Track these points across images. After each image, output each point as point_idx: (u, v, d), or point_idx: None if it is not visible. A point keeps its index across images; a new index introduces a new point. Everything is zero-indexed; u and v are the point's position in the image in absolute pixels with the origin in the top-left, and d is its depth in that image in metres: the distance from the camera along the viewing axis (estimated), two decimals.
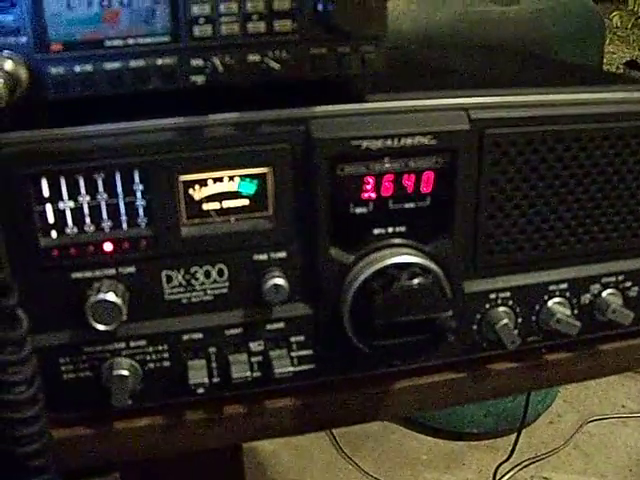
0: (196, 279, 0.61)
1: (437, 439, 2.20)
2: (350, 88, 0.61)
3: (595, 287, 0.71)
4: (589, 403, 2.32)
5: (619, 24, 4.92)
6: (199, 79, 0.55)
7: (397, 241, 0.63)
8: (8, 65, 0.50)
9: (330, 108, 0.59)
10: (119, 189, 0.57)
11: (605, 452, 2.16)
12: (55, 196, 0.57)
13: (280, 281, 0.60)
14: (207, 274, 0.61)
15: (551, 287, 0.69)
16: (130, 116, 0.56)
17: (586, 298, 0.71)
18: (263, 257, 0.61)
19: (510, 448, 1.78)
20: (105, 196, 0.57)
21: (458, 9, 1.79)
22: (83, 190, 0.57)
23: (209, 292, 0.62)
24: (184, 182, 0.58)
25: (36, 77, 0.52)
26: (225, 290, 0.62)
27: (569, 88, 0.66)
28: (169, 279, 0.60)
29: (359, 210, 0.61)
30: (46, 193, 0.56)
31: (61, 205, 0.57)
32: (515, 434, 1.66)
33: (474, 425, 2.16)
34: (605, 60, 5.58)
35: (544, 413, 2.28)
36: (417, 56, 0.99)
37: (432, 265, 0.62)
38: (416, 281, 0.59)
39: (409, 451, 2.16)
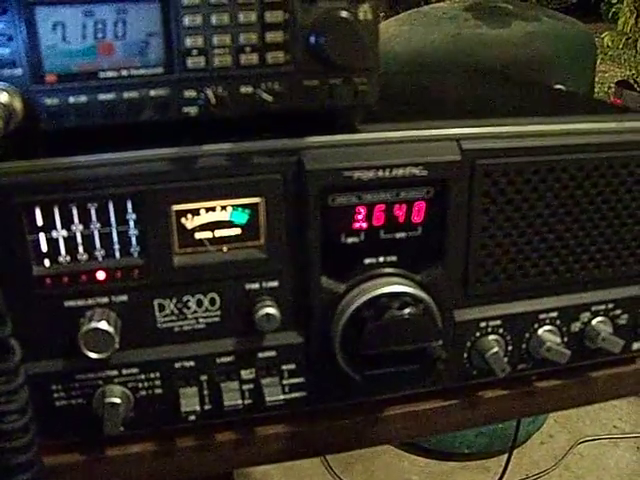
0: (188, 308, 0.61)
1: (428, 459, 2.20)
2: (342, 118, 0.61)
3: (585, 315, 0.71)
4: (580, 424, 2.32)
5: (610, 44, 4.96)
6: (192, 110, 0.55)
7: (388, 270, 0.63)
8: (3, 97, 0.51)
9: (322, 139, 0.59)
10: (112, 218, 0.58)
11: (596, 473, 2.16)
12: (48, 225, 0.57)
13: (272, 310, 0.60)
14: (199, 303, 0.61)
15: (541, 315, 0.70)
16: (123, 146, 0.57)
17: (576, 326, 0.71)
18: (255, 286, 0.61)
19: (501, 468, 1.78)
20: (98, 225, 0.58)
21: (451, 31, 1.80)
22: (76, 219, 0.57)
23: (201, 320, 0.62)
24: (177, 211, 0.58)
25: (31, 108, 0.53)
26: (217, 319, 0.62)
27: (559, 118, 0.67)
28: (161, 308, 0.61)
29: (350, 240, 0.62)
30: (39, 222, 0.57)
31: (54, 234, 0.57)
32: (506, 454, 1.66)
33: (465, 445, 2.16)
34: (597, 79, 5.62)
35: (535, 434, 2.28)
36: (408, 82, 1.00)
37: (423, 294, 0.63)
38: (407, 311, 0.60)
39: (400, 471, 2.16)
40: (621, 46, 4.96)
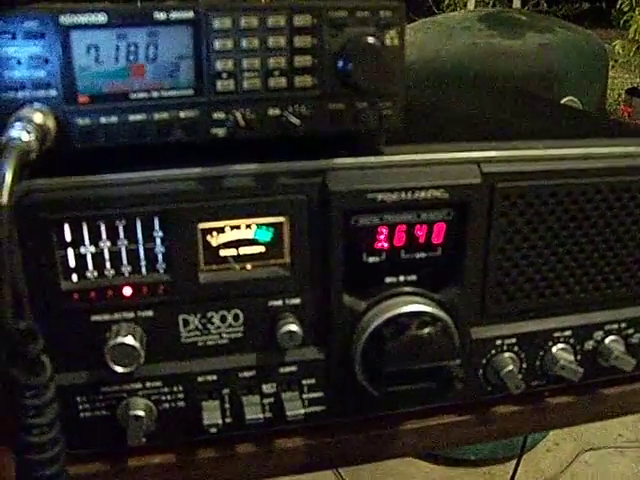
0: (212, 323, 0.62)
1: (434, 465, 2.21)
2: (366, 141, 0.62)
3: (598, 334, 0.72)
4: (586, 432, 2.33)
5: (620, 52, 4.97)
6: (220, 132, 0.57)
7: (408, 289, 0.65)
8: (38, 118, 0.52)
9: (346, 161, 0.61)
10: (139, 235, 0.59)
11: None
12: (77, 241, 0.58)
13: (294, 327, 0.61)
14: (223, 319, 0.62)
15: (555, 334, 0.71)
16: (151, 165, 0.58)
17: (589, 344, 0.72)
18: (278, 303, 0.63)
19: (507, 475, 1.79)
20: (125, 242, 0.59)
21: (465, 41, 1.81)
22: (104, 236, 0.58)
23: (224, 336, 0.63)
24: (202, 229, 0.59)
25: (64, 128, 0.54)
26: (240, 334, 0.63)
27: (577, 141, 0.68)
28: (186, 323, 0.62)
29: (372, 259, 0.63)
30: (68, 238, 0.58)
31: (82, 250, 0.59)
32: (512, 461, 1.67)
33: (471, 452, 2.17)
34: (608, 85, 5.62)
35: (541, 441, 2.29)
36: (427, 97, 1.01)
37: (441, 314, 0.64)
38: (426, 330, 0.61)
39: (406, 477, 2.17)
40: (632, 53, 4.97)
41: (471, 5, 2.24)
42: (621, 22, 5.05)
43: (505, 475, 1.86)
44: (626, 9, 4.85)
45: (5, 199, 0.45)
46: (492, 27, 1.84)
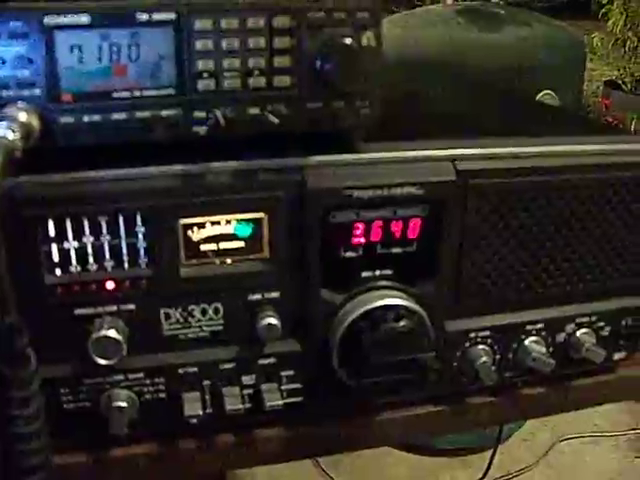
0: (193, 317, 0.64)
1: (413, 455, 2.23)
2: (343, 138, 0.64)
3: (570, 326, 0.74)
4: (562, 422, 2.36)
5: (599, 44, 5.00)
6: (201, 130, 0.58)
7: (384, 283, 0.66)
8: (23, 116, 0.53)
9: (323, 158, 0.62)
10: (122, 231, 0.60)
11: (577, 471, 2.20)
12: (60, 236, 0.59)
13: (273, 320, 0.63)
14: (204, 312, 0.64)
15: (528, 326, 0.73)
16: (133, 162, 0.59)
17: (561, 337, 0.74)
18: (257, 297, 0.64)
19: (484, 464, 1.82)
20: (108, 237, 0.60)
21: (443, 35, 1.83)
22: (87, 231, 0.60)
23: (205, 329, 0.65)
24: (183, 225, 0.61)
25: (48, 126, 0.55)
26: (220, 327, 0.65)
27: (551, 138, 0.70)
28: (167, 316, 0.63)
29: (349, 254, 0.65)
30: (52, 233, 0.59)
31: (66, 245, 0.60)
32: (489, 451, 1.69)
33: (449, 441, 2.19)
34: (586, 77, 5.65)
35: (517, 431, 2.32)
36: (406, 93, 1.02)
37: (416, 307, 0.65)
38: (402, 323, 0.63)
39: (385, 467, 2.19)
40: (610, 47, 5.00)
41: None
42: (600, 14, 5.08)
43: (482, 464, 1.89)
44: (605, 1, 4.87)
45: None
46: (470, 21, 1.86)
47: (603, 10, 4.88)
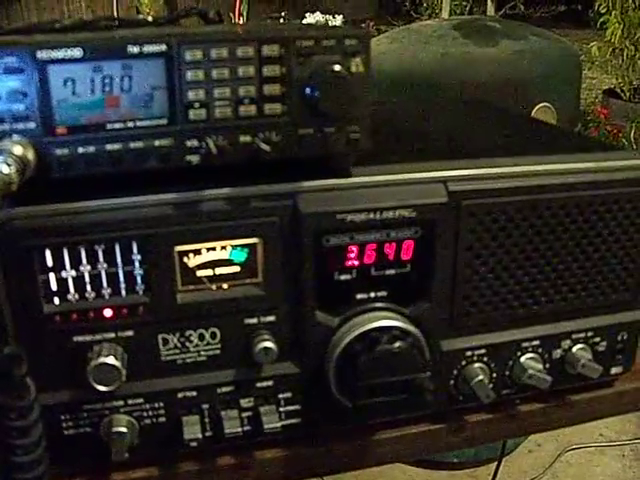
0: (190, 341, 0.65)
1: (417, 468, 2.23)
2: (335, 163, 0.65)
3: (566, 343, 0.75)
4: (567, 432, 2.36)
5: (597, 54, 5.01)
6: (194, 159, 0.59)
7: (379, 305, 0.67)
8: (18, 150, 0.54)
9: (316, 183, 0.63)
10: (118, 259, 0.61)
11: None
12: (58, 265, 0.60)
13: (269, 344, 0.64)
14: (201, 337, 0.65)
15: (524, 344, 0.73)
16: (129, 191, 0.60)
17: (557, 353, 0.75)
18: (253, 321, 0.65)
19: (489, 477, 1.82)
20: (105, 265, 0.61)
21: (439, 50, 1.84)
22: (84, 260, 0.61)
23: (203, 353, 0.65)
24: (179, 252, 0.62)
25: (43, 158, 0.56)
26: (218, 351, 0.65)
27: (541, 157, 0.70)
28: (165, 342, 0.64)
29: (343, 277, 0.66)
30: (50, 263, 0.60)
31: (64, 274, 0.61)
32: (494, 463, 1.69)
33: (454, 455, 2.19)
34: (585, 86, 5.67)
35: (523, 442, 2.32)
36: (397, 113, 1.03)
37: (411, 328, 0.66)
38: (397, 344, 0.64)
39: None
40: (608, 55, 5.01)
41: (445, 13, 2.27)
42: (598, 23, 5.09)
43: (488, 477, 1.89)
44: (603, 11, 4.89)
45: None
46: (466, 35, 1.87)
47: (601, 19, 4.89)
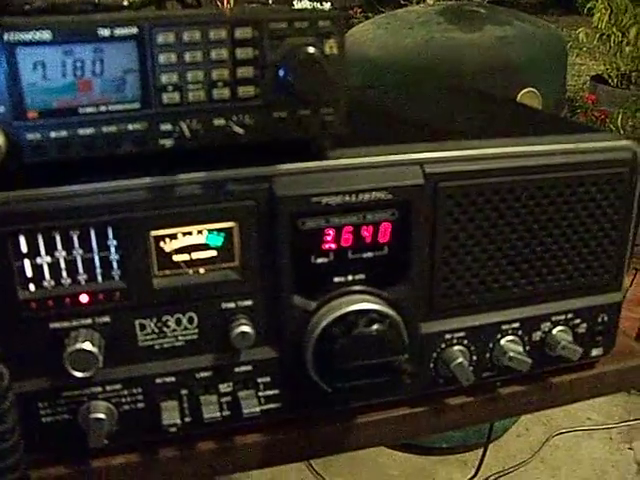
0: (168, 327, 0.64)
1: (407, 454, 2.24)
2: (311, 146, 0.64)
3: (546, 325, 0.75)
4: (555, 416, 2.37)
5: (585, 40, 5.02)
6: (168, 143, 0.58)
7: (356, 288, 0.67)
8: None
9: (291, 166, 0.63)
10: (94, 245, 0.61)
11: (571, 465, 2.21)
12: (33, 252, 0.60)
13: (247, 328, 0.63)
14: (178, 322, 0.64)
15: (504, 326, 0.73)
16: (103, 175, 0.60)
17: (537, 335, 0.75)
18: (230, 305, 0.65)
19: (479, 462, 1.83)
20: (80, 251, 0.61)
21: (423, 36, 1.83)
22: (59, 246, 0.60)
23: (180, 338, 0.65)
24: (155, 237, 0.61)
25: (14, 143, 0.56)
26: (195, 336, 0.65)
27: (519, 139, 0.70)
28: (142, 327, 0.64)
29: (320, 260, 0.65)
30: (24, 249, 0.60)
31: (39, 260, 0.60)
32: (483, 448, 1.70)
33: (443, 440, 2.20)
34: (574, 72, 5.67)
35: (512, 427, 2.32)
36: (377, 99, 1.03)
37: (389, 311, 0.66)
38: (374, 327, 0.63)
39: (380, 467, 2.20)
40: (595, 41, 5.02)
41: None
42: (585, 9, 5.09)
43: (477, 462, 1.89)
44: None
45: None
46: (451, 21, 1.86)
47: (588, 5, 4.89)
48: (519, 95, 1.82)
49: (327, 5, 5.28)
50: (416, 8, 2.14)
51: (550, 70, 1.94)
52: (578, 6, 5.88)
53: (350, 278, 0.67)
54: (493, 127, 0.82)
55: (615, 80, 4.88)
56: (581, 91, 5.08)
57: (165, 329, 0.64)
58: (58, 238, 0.60)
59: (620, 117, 4.10)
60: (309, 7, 5.21)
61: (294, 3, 5.36)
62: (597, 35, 4.89)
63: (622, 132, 4.00)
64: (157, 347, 0.65)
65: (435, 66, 1.77)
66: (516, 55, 1.83)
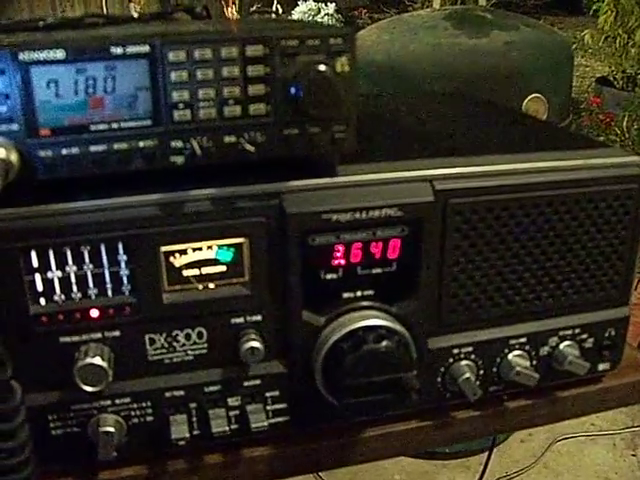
0: (177, 341, 0.65)
1: (410, 459, 2.24)
2: (320, 161, 0.64)
3: (553, 340, 0.75)
4: (559, 422, 2.37)
5: (590, 41, 5.01)
6: (178, 160, 0.59)
7: (365, 304, 0.67)
8: (1, 152, 0.54)
9: (301, 183, 0.63)
10: (104, 260, 0.61)
11: (574, 470, 2.21)
12: (44, 266, 0.60)
13: (256, 344, 0.64)
14: (188, 336, 0.65)
15: (511, 341, 0.73)
16: (113, 191, 0.60)
17: (544, 350, 0.75)
18: (240, 320, 0.65)
19: (481, 467, 1.82)
20: (91, 266, 0.61)
21: (430, 41, 1.83)
22: (70, 261, 0.61)
23: (189, 353, 0.65)
24: (165, 252, 0.62)
25: (26, 160, 0.56)
26: (204, 351, 0.65)
27: (528, 155, 0.70)
28: (152, 341, 0.64)
29: (329, 276, 0.66)
30: (35, 264, 0.60)
31: (50, 275, 0.61)
32: (486, 453, 1.70)
33: None
34: (579, 74, 5.67)
35: (515, 432, 2.32)
36: (385, 108, 1.03)
37: (398, 327, 0.66)
38: (383, 344, 0.64)
39: (383, 471, 2.20)
40: (600, 43, 5.01)
41: (436, 4, 2.26)
42: (591, 11, 5.08)
43: (480, 466, 1.90)
44: None
45: None
46: (457, 26, 1.86)
47: (594, 7, 4.89)
48: (525, 101, 1.83)
49: (331, 6, 5.27)
50: (422, 13, 2.14)
51: (556, 76, 1.94)
52: (583, 7, 5.87)
53: (359, 294, 0.67)
54: (502, 141, 0.82)
55: (620, 82, 4.87)
56: (586, 93, 5.07)
57: (175, 343, 0.65)
58: (69, 253, 0.60)
59: (625, 120, 4.10)
60: (314, 8, 5.22)
61: (298, 3, 5.34)
62: (602, 37, 4.89)
63: (627, 135, 3.99)
64: (166, 361, 0.65)
65: (441, 71, 1.77)
66: (522, 61, 1.83)
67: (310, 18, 5.07)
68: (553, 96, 1.89)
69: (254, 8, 5.84)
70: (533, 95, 1.85)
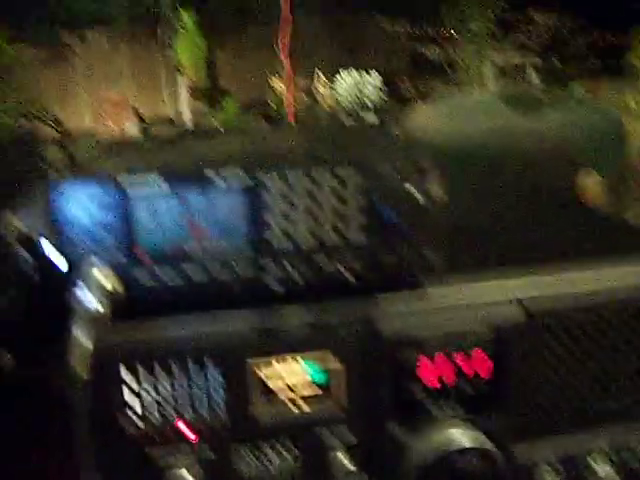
0: (268, 459, 0.65)
1: None
2: (408, 278, 0.65)
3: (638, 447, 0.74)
4: None
5: (635, 107, 5.01)
6: (277, 287, 0.60)
7: (455, 422, 0.67)
8: (109, 284, 0.56)
9: (395, 309, 0.64)
10: (195, 378, 0.62)
11: None
12: (138, 385, 0.61)
13: (348, 465, 0.64)
14: (279, 454, 0.65)
15: (594, 449, 0.72)
16: (204, 308, 0.62)
17: (627, 456, 0.74)
18: (332, 441, 0.66)
19: None
20: (183, 382, 0.62)
21: (485, 125, 1.85)
22: (162, 379, 0.62)
23: (279, 469, 0.66)
24: (256, 371, 0.63)
25: (130, 288, 0.58)
26: (296, 469, 0.66)
27: (615, 270, 0.71)
28: (241, 458, 0.65)
29: (421, 395, 0.66)
30: (134, 385, 0.61)
31: (143, 394, 0.62)
32: None
33: None
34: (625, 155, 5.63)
35: None
36: (453, 205, 1.04)
37: (488, 446, 0.66)
38: (474, 464, 0.64)
39: None
40: None
41: (491, 85, 2.29)
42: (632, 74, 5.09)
43: None
44: (635, 61, 4.89)
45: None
46: (512, 108, 1.88)
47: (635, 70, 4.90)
48: (579, 178, 1.83)
49: (375, 75, 5.31)
50: (475, 94, 2.16)
51: (609, 152, 1.95)
52: (623, 68, 5.88)
53: (450, 412, 0.67)
54: (582, 247, 0.83)
55: None
56: (634, 160, 5.05)
57: (265, 460, 0.65)
58: (159, 370, 0.61)
59: None
60: (358, 79, 5.27)
61: (340, 71, 5.39)
62: None
63: None
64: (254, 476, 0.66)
65: (500, 157, 1.78)
66: (576, 140, 1.84)
67: (356, 92, 5.12)
68: (606, 172, 1.89)
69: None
70: (587, 172, 1.85)
